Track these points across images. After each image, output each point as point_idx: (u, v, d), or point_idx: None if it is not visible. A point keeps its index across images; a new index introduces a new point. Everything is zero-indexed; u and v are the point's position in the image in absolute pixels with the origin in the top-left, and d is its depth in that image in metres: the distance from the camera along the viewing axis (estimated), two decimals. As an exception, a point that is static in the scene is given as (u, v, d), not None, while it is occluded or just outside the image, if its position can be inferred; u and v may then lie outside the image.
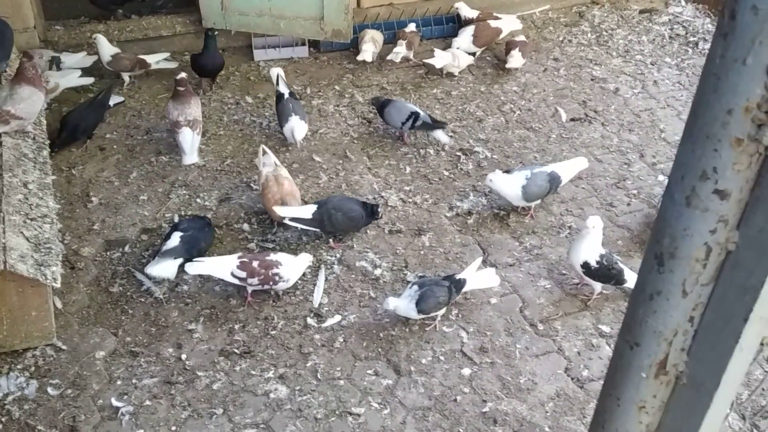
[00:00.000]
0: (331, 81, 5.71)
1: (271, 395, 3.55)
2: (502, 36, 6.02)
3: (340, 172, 4.88)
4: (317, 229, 4.26)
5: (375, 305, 3.98)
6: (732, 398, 1.26)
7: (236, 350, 3.74)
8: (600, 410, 1.43)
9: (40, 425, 3.39)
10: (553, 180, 4.44)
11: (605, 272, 3.90)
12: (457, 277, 3.86)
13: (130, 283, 4.07)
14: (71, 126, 4.87)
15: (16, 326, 3.60)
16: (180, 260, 3.98)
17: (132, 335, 3.81)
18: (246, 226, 4.44)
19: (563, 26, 6.46)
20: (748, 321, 1.11)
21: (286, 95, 4.98)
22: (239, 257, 3.90)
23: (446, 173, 4.89)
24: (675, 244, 1.16)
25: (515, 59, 5.73)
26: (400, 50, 5.71)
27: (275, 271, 3.85)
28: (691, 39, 6.37)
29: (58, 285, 3.56)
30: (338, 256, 4.27)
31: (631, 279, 3.91)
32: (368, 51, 5.66)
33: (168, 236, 4.08)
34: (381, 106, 5.05)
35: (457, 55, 5.70)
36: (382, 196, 4.67)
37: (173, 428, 3.40)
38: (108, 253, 4.25)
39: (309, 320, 3.90)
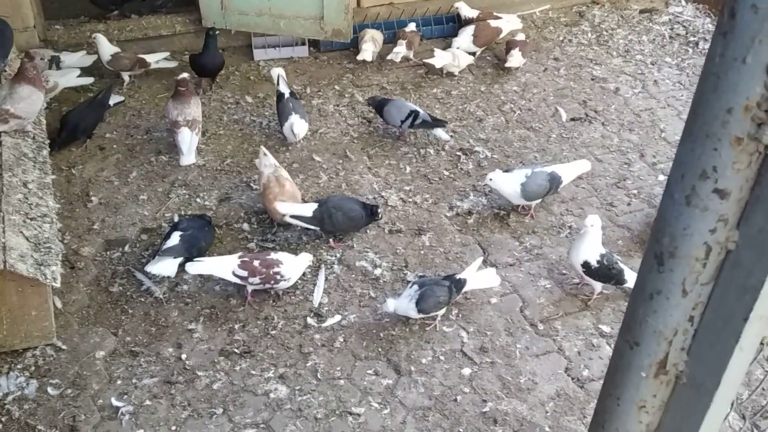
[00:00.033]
0: (331, 81, 5.70)
1: (271, 395, 3.54)
2: (502, 36, 6.02)
3: (340, 172, 4.87)
4: (317, 228, 4.26)
5: (375, 305, 3.98)
6: (732, 398, 1.25)
7: (236, 350, 3.73)
8: (600, 410, 1.42)
9: (40, 425, 3.39)
10: (554, 180, 4.44)
11: (605, 272, 3.90)
12: (458, 276, 3.86)
13: (130, 283, 4.07)
14: (71, 125, 4.87)
15: (15, 326, 3.60)
16: (180, 259, 3.98)
17: (132, 335, 3.81)
18: (246, 226, 4.44)
19: (563, 26, 6.46)
20: (748, 320, 1.11)
21: (287, 95, 4.98)
22: (240, 257, 3.90)
23: (446, 173, 4.88)
24: (675, 243, 1.16)
25: (515, 59, 5.72)
26: (400, 50, 5.70)
27: (276, 270, 3.85)
28: (692, 39, 6.37)
29: (57, 285, 3.55)
30: (338, 255, 4.27)
31: (631, 279, 3.91)
32: (368, 50, 5.66)
33: (168, 236, 4.08)
34: (379, 105, 5.05)
35: (457, 55, 5.69)
36: (382, 196, 4.67)
37: (173, 428, 3.40)
38: (108, 252, 4.25)
39: (309, 320, 3.90)
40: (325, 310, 3.96)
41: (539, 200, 4.53)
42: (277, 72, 5.17)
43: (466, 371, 3.68)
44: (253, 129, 5.22)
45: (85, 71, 5.49)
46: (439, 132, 5.07)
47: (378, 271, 4.17)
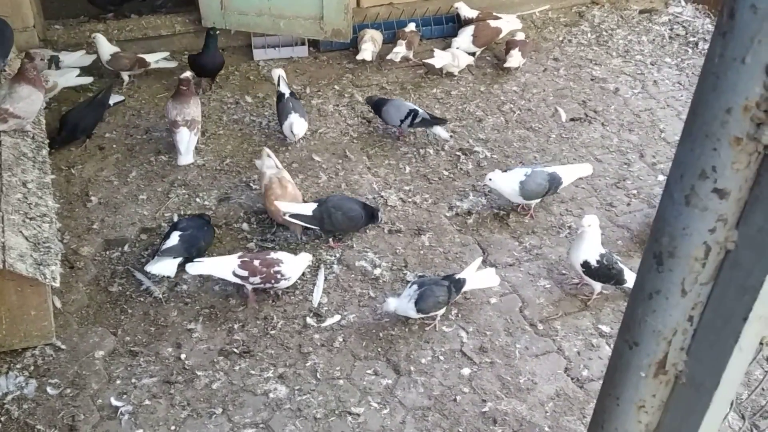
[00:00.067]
0: (330, 80, 5.71)
1: (271, 395, 3.54)
2: (501, 36, 6.03)
3: (340, 172, 4.87)
4: (317, 227, 4.26)
5: (374, 305, 3.98)
6: (732, 398, 1.25)
7: (235, 350, 3.73)
8: (599, 410, 1.42)
9: (40, 424, 3.39)
10: (553, 180, 4.44)
11: (605, 272, 3.90)
12: (457, 276, 3.86)
13: (130, 283, 4.07)
14: (71, 125, 4.87)
15: (15, 325, 3.60)
16: (179, 259, 3.98)
17: (131, 335, 3.80)
18: (245, 226, 4.44)
19: (563, 26, 6.46)
20: (748, 320, 1.11)
21: (287, 95, 4.98)
22: (240, 257, 3.90)
23: (446, 173, 4.88)
24: (674, 243, 1.16)
25: (515, 59, 5.73)
26: (400, 50, 5.71)
27: (277, 269, 3.85)
28: (691, 39, 6.37)
29: (57, 284, 3.55)
30: (338, 255, 4.27)
31: (630, 279, 3.91)
32: (368, 50, 5.66)
33: (167, 235, 4.08)
34: (376, 105, 5.05)
35: (457, 55, 5.70)
36: (382, 196, 4.67)
37: (172, 428, 3.40)
38: (107, 252, 4.25)
39: (308, 320, 3.90)
40: (324, 310, 3.96)
41: (539, 200, 4.53)
42: (278, 73, 5.18)
43: (466, 371, 3.68)
44: (253, 129, 5.22)
45: (85, 71, 5.49)
46: (439, 130, 5.07)
47: (377, 271, 4.17)
